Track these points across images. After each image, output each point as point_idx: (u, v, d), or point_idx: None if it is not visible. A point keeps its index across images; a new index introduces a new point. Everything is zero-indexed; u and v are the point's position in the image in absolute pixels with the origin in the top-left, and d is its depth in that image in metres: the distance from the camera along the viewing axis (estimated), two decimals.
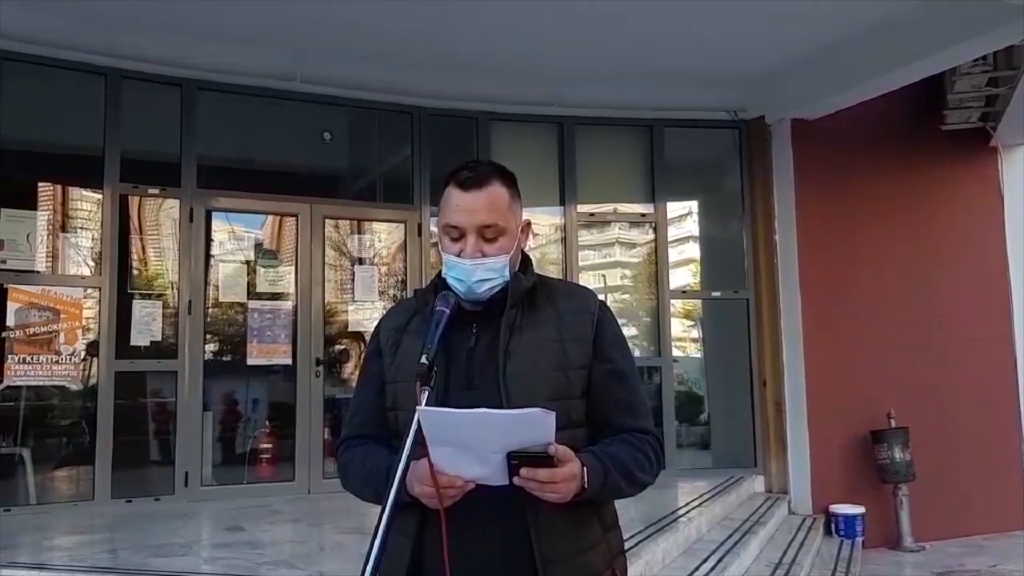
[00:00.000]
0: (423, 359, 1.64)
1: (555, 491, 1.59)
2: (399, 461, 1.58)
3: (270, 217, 7.29)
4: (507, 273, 1.81)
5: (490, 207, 1.78)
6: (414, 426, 1.57)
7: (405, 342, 1.85)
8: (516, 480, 1.57)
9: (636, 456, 1.77)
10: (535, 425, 1.55)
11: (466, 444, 1.56)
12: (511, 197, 1.84)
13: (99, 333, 6.24)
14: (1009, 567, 6.86)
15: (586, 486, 1.64)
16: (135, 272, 6.63)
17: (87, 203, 6.50)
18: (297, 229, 7.07)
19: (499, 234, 1.79)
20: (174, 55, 6.42)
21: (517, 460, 1.56)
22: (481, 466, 1.59)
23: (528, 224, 1.90)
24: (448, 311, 1.74)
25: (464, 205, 1.78)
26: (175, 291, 6.60)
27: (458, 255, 1.79)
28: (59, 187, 6.44)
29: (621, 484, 1.73)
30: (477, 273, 1.77)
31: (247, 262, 7.07)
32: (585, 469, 1.64)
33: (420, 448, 1.58)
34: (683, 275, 8.39)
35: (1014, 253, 8.43)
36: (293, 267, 7.05)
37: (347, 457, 1.91)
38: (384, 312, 2.02)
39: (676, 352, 7.99)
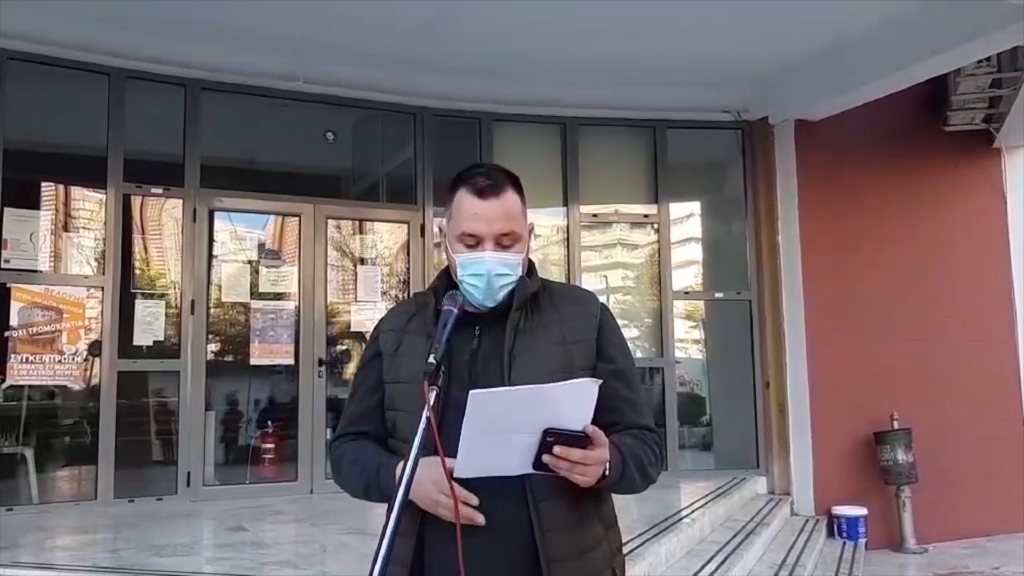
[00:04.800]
0: (431, 359, 1.63)
1: (584, 473, 1.61)
2: (408, 461, 1.56)
3: (273, 217, 7.29)
4: (520, 272, 1.82)
5: (507, 215, 1.80)
6: (421, 426, 1.57)
7: (405, 343, 1.85)
8: (546, 457, 1.58)
9: (646, 451, 1.80)
10: (582, 395, 1.58)
11: (508, 426, 1.56)
12: (522, 203, 1.86)
13: (102, 333, 6.24)
14: (1013, 568, 6.84)
15: (607, 473, 1.65)
16: (138, 272, 6.63)
17: (90, 203, 6.50)
18: (300, 229, 7.07)
19: (515, 241, 1.81)
20: (178, 55, 6.44)
21: (552, 438, 1.57)
22: (510, 453, 1.59)
23: (531, 228, 1.91)
24: (456, 311, 1.74)
25: (482, 213, 1.78)
26: (178, 291, 6.60)
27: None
28: (62, 187, 6.44)
29: (635, 476, 1.75)
30: (497, 267, 1.77)
31: (250, 262, 7.07)
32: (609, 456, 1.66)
33: (424, 451, 1.58)
34: (686, 276, 8.37)
35: (1017, 254, 8.43)
36: (296, 267, 7.05)
37: (339, 453, 1.91)
38: (383, 314, 2.03)
39: (679, 353, 7.98)
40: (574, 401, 1.58)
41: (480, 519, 1.63)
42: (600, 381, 1.60)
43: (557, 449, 1.57)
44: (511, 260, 1.79)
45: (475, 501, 1.62)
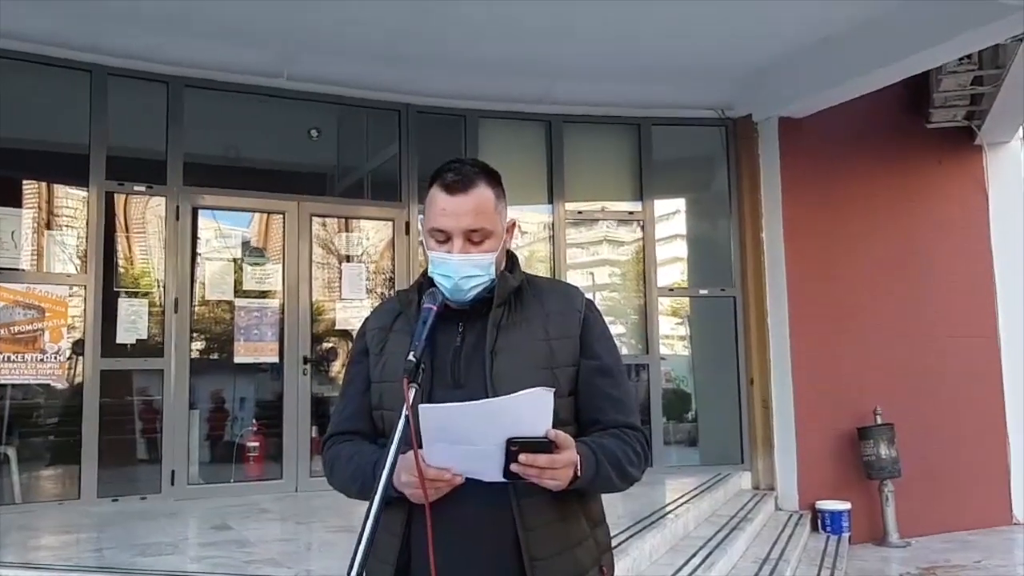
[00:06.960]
0: (411, 356, 1.63)
1: (554, 477, 1.60)
2: (385, 457, 1.57)
3: (257, 215, 7.26)
4: (493, 271, 1.80)
5: (476, 211, 1.77)
6: (400, 424, 1.57)
7: (391, 341, 1.85)
8: (514, 467, 1.57)
9: (625, 450, 1.78)
10: (536, 405, 1.56)
11: (466, 438, 1.56)
12: (496, 198, 1.82)
13: (85, 331, 6.20)
14: (994, 562, 6.91)
15: (579, 474, 1.64)
16: (121, 270, 6.59)
17: (73, 200, 6.46)
18: (284, 227, 7.04)
19: (485, 237, 1.78)
20: (160, 52, 6.40)
21: (517, 446, 1.56)
22: (477, 460, 1.59)
23: (513, 224, 1.89)
24: (436, 308, 1.73)
25: (450, 209, 1.76)
26: (161, 289, 6.57)
27: None
28: (44, 184, 6.40)
29: (611, 476, 1.73)
30: (464, 269, 1.76)
31: (234, 260, 7.05)
32: (579, 457, 1.65)
33: (406, 447, 1.58)
34: (671, 273, 8.40)
35: (999, 250, 8.50)
36: (280, 265, 7.02)
37: (333, 453, 1.89)
38: (369, 312, 2.02)
39: (664, 350, 8.01)
40: (530, 411, 1.57)
41: (459, 479, 1.61)
42: (553, 389, 1.59)
43: (523, 457, 1.56)
44: (481, 260, 1.77)
45: (448, 476, 1.60)
